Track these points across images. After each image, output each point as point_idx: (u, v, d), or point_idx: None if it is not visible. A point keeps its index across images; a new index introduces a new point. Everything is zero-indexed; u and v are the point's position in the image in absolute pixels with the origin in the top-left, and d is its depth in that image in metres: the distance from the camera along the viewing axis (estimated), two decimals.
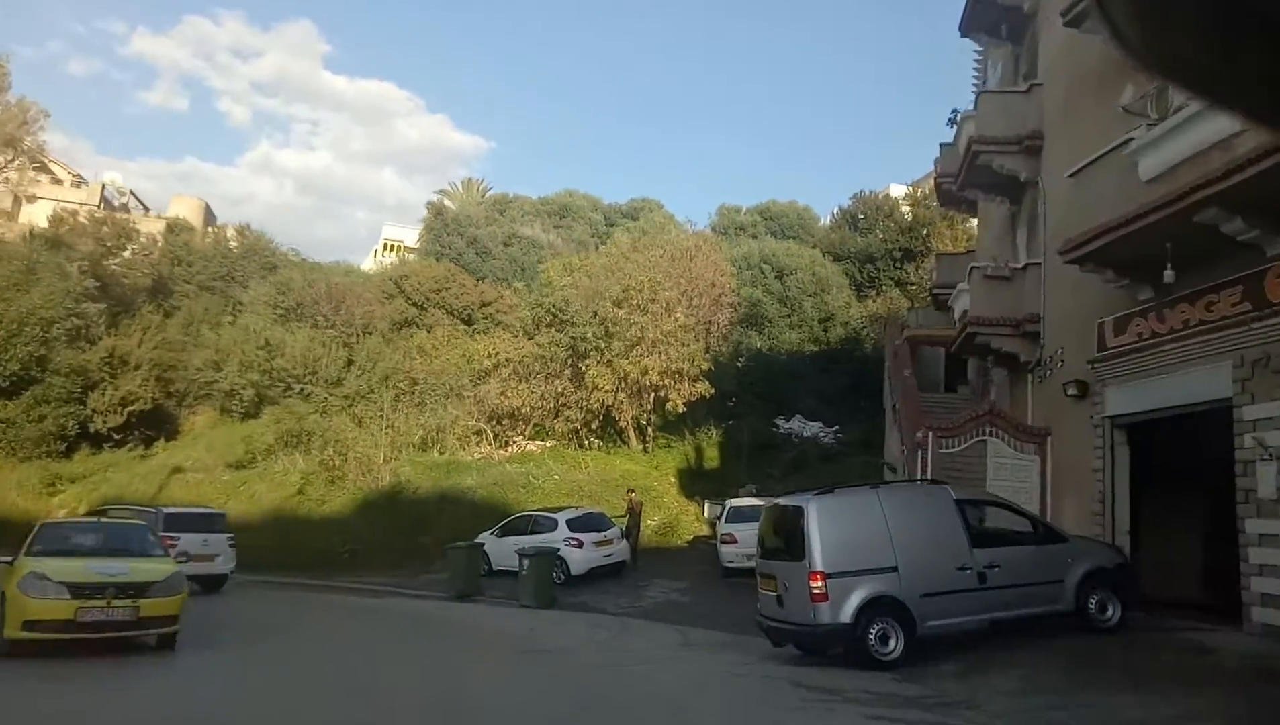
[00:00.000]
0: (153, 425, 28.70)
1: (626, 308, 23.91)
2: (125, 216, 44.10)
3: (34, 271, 26.44)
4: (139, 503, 18.79)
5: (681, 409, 24.01)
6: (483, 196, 49.44)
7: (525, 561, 14.93)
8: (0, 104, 38.55)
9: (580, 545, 16.67)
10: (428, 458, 24.64)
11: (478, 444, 25.65)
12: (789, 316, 32.48)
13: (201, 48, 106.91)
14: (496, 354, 26.08)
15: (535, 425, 25.74)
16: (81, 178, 49.80)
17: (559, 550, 16.12)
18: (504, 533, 17.89)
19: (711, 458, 25.17)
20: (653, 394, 24.09)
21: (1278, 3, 0.72)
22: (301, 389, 27.60)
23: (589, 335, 23.77)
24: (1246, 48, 0.74)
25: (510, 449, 25.53)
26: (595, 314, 24.22)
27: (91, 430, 26.51)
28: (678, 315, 24.37)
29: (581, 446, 25.19)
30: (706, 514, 21.20)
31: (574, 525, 17.05)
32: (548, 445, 25.23)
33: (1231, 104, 0.83)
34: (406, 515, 22.05)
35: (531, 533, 17.25)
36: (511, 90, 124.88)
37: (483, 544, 17.47)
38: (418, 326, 31.11)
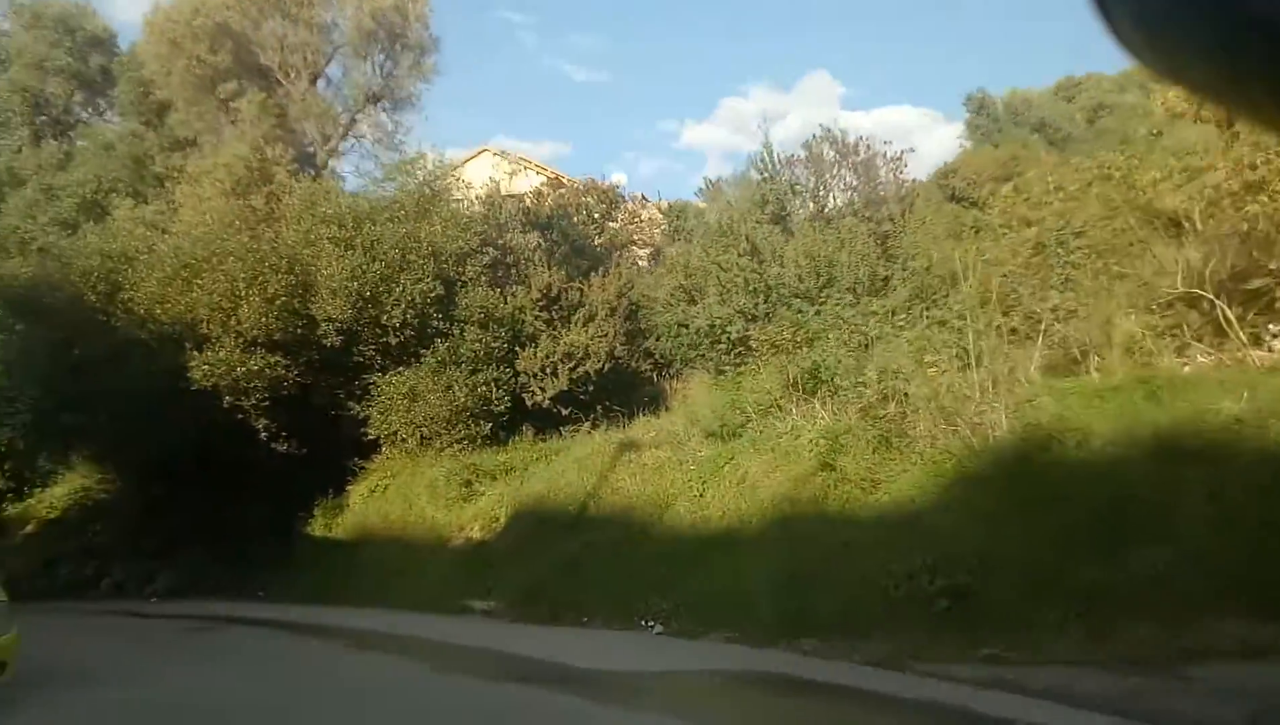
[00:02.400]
0: (620, 395, 19.45)
1: None
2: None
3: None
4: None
5: None
6: None
7: None
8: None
9: None
10: (1080, 383, 11.07)
11: (1178, 346, 11.34)
12: None
13: (738, 124, 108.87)
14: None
15: None
16: None
17: None
18: None
19: None
20: None
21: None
22: (815, 308, 16.11)
23: None
24: (1249, 49, 0.73)
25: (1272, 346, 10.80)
26: None
27: (529, 404, 17.88)
28: None
29: None
30: None
31: None
32: None
33: (1237, 107, 0.85)
34: (1068, 508, 8.82)
35: None
36: None
37: None
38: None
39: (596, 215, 33.91)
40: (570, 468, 15.11)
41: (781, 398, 13.91)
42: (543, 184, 34.85)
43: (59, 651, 10.47)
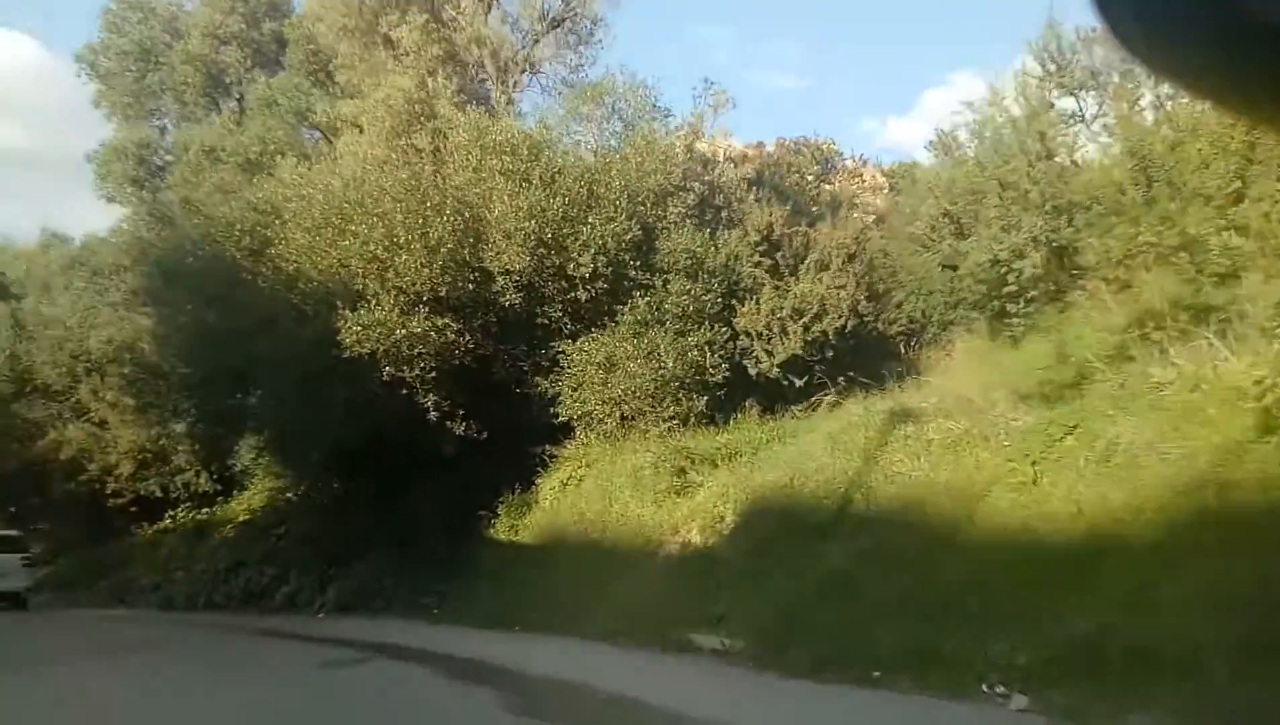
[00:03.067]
0: (865, 366, 15.21)
1: None
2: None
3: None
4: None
5: None
6: None
7: None
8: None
9: None
10: None
11: None
12: None
13: (940, 116, 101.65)
14: None
15: None
16: None
17: None
18: None
19: None
20: None
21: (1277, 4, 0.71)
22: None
23: None
24: (1246, 48, 0.72)
25: None
26: None
27: (753, 373, 14.13)
28: None
29: None
30: None
31: None
32: None
33: (1232, 104, 0.90)
34: None
35: None
36: None
37: None
38: None
39: (810, 176, 29.91)
40: (819, 448, 11.03)
41: (1151, 332, 9.20)
42: (747, 146, 30.93)
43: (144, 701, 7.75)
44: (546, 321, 13.90)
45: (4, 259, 33.46)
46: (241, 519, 22.45)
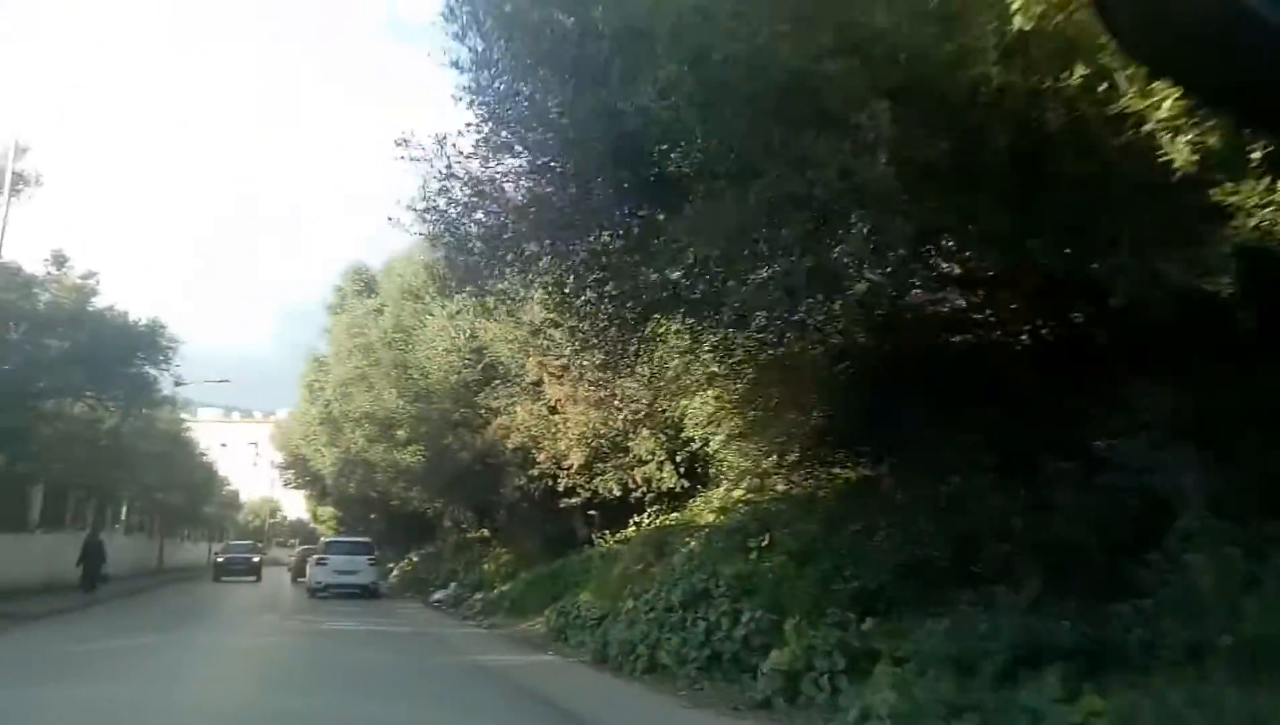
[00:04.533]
0: None
1: None
2: None
3: None
4: None
5: None
6: None
7: None
8: None
9: None
10: None
11: None
12: None
13: None
14: None
15: None
16: None
17: None
18: None
19: None
20: None
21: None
22: None
23: None
24: (1243, 49, 0.73)
25: None
26: None
27: None
28: None
29: None
30: None
31: None
32: None
33: (1224, 104, 0.94)
34: None
35: None
36: None
37: None
38: None
39: None
40: None
41: None
42: None
43: None
44: None
45: None
46: (706, 522, 15.21)
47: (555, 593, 18.26)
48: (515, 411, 20.75)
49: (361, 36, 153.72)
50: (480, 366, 23.37)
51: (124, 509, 32.67)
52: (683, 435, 17.34)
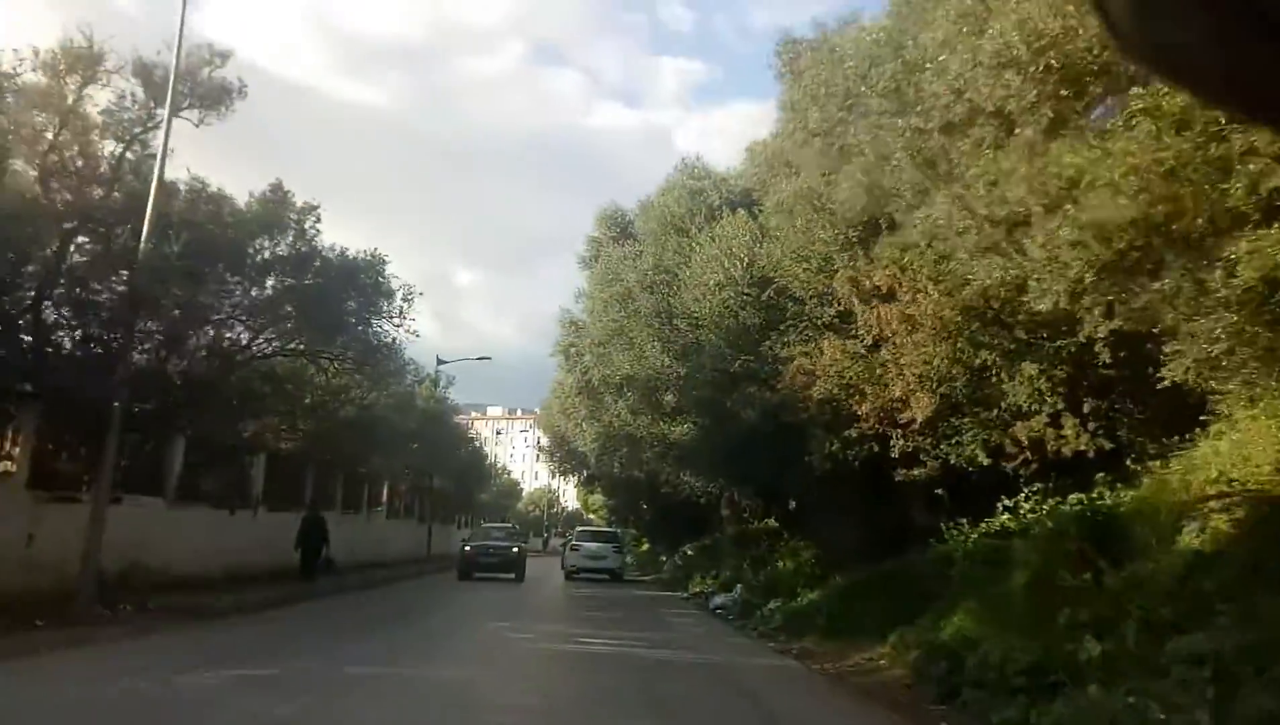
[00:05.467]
0: None
1: None
2: None
3: None
4: None
5: None
6: None
7: None
8: None
9: None
10: None
11: None
12: None
13: None
14: None
15: None
16: None
17: None
18: None
19: None
20: None
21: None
22: None
23: None
24: (1244, 43, 0.72)
25: None
26: None
27: None
28: None
29: None
30: None
31: None
32: None
33: (1225, 99, 0.86)
34: None
35: None
36: None
37: None
38: None
39: None
40: None
41: None
42: None
43: None
44: None
45: None
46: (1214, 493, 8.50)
47: (896, 609, 12.21)
48: (819, 352, 14.93)
49: None
50: (763, 302, 17.87)
51: (385, 490, 30.64)
52: (1104, 362, 10.58)
